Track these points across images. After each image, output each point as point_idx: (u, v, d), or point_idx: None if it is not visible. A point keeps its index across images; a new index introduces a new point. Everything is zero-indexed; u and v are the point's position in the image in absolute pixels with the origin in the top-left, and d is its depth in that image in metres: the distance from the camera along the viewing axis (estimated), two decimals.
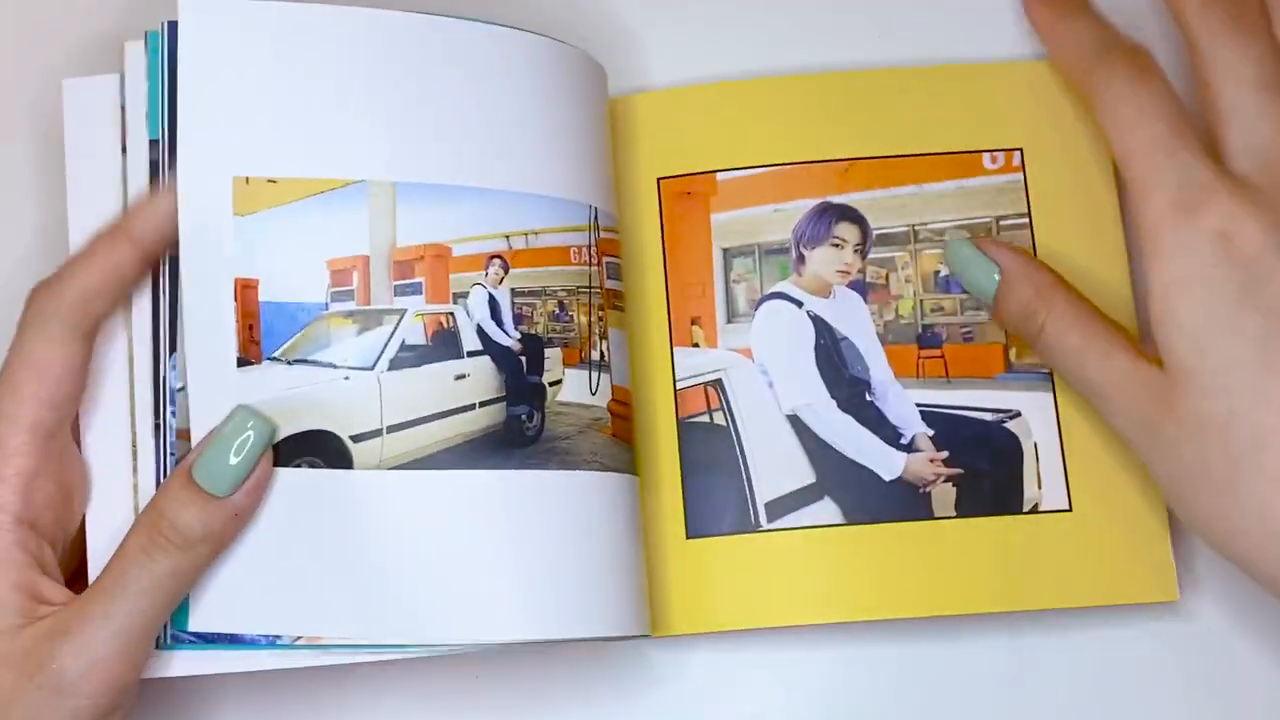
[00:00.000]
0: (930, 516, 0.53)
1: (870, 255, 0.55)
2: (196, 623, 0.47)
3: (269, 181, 0.48)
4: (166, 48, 0.49)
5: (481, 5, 0.54)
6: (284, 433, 0.47)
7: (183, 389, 0.47)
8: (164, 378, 0.48)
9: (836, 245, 0.55)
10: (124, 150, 0.49)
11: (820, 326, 0.54)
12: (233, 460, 0.45)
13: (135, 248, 0.47)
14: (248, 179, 0.48)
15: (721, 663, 0.55)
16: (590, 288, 0.52)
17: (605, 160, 0.54)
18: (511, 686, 0.54)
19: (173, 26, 0.48)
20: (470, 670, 0.54)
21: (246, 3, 0.49)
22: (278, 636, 0.47)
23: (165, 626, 0.47)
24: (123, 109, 0.50)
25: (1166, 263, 0.47)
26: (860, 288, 0.55)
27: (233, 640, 0.47)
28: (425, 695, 0.54)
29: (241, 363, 0.48)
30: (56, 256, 0.48)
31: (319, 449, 0.48)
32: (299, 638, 0.47)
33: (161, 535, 0.45)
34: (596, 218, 0.52)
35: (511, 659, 0.54)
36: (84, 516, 0.48)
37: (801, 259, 0.55)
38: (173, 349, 0.48)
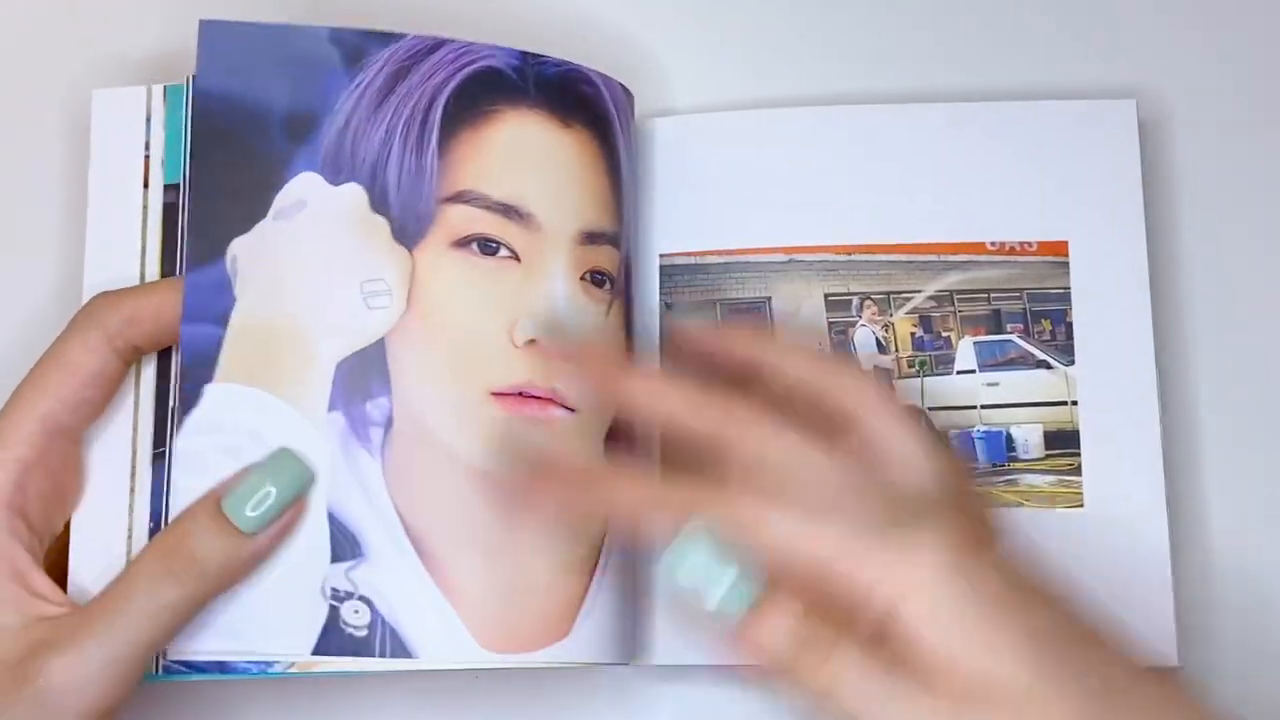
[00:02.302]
0: None
1: None
2: (173, 652, 0.47)
3: None
4: (188, 101, 0.51)
5: (512, 29, 0.55)
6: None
7: None
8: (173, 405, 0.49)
9: None
10: (145, 185, 0.51)
11: None
12: (266, 500, 0.46)
13: None
14: None
15: (701, 697, 0.54)
16: None
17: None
18: (480, 702, 0.55)
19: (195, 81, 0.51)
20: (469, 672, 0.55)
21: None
22: (269, 664, 0.47)
23: (156, 655, 0.47)
24: (146, 145, 0.51)
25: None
26: None
27: (222, 669, 0.47)
28: (423, 694, 0.55)
29: None
30: (79, 261, 0.51)
31: None
32: (293, 664, 0.47)
33: (178, 563, 0.45)
34: None
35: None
36: (68, 522, 0.48)
37: None
38: None
